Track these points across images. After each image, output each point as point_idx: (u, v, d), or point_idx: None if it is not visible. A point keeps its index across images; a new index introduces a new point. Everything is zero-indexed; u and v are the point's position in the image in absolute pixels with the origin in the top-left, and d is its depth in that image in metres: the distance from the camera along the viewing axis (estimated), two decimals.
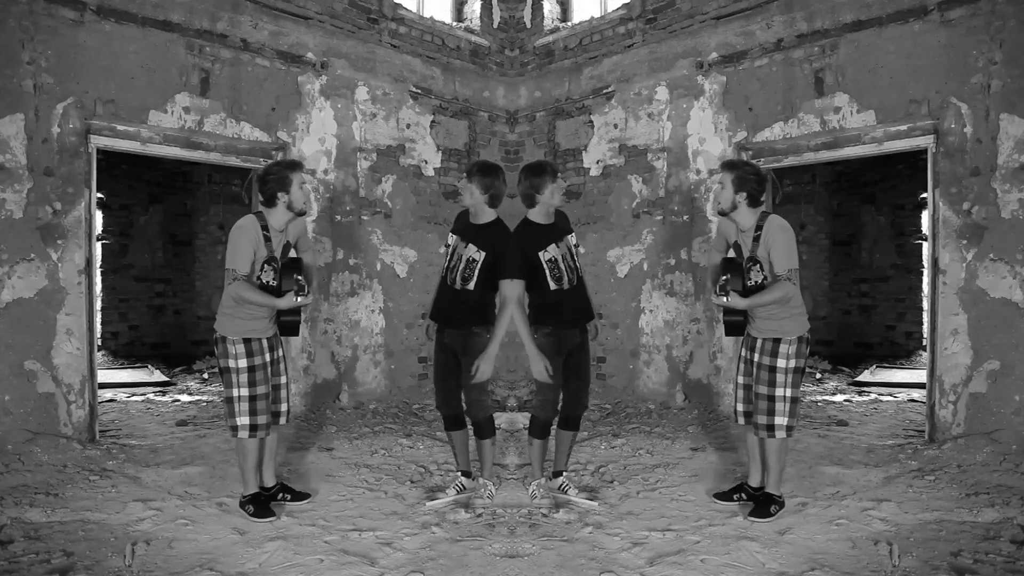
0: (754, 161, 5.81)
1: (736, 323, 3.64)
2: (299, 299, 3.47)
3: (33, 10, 4.70)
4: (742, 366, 3.76)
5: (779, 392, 3.53)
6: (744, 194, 3.56)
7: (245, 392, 3.54)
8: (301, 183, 3.63)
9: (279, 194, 3.57)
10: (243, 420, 3.55)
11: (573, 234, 3.94)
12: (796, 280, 3.48)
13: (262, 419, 3.59)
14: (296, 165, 3.69)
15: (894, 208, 9.65)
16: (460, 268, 3.77)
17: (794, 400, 3.56)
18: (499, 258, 3.74)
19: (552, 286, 3.76)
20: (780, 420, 3.54)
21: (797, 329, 3.55)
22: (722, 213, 3.66)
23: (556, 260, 3.77)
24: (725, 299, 3.47)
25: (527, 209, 3.85)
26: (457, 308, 3.81)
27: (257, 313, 3.56)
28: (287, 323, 3.64)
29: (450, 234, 3.95)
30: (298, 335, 3.86)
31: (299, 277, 3.50)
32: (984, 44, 4.70)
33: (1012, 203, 4.64)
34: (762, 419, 3.58)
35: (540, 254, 3.75)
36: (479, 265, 3.74)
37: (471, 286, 3.76)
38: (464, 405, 3.93)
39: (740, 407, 3.78)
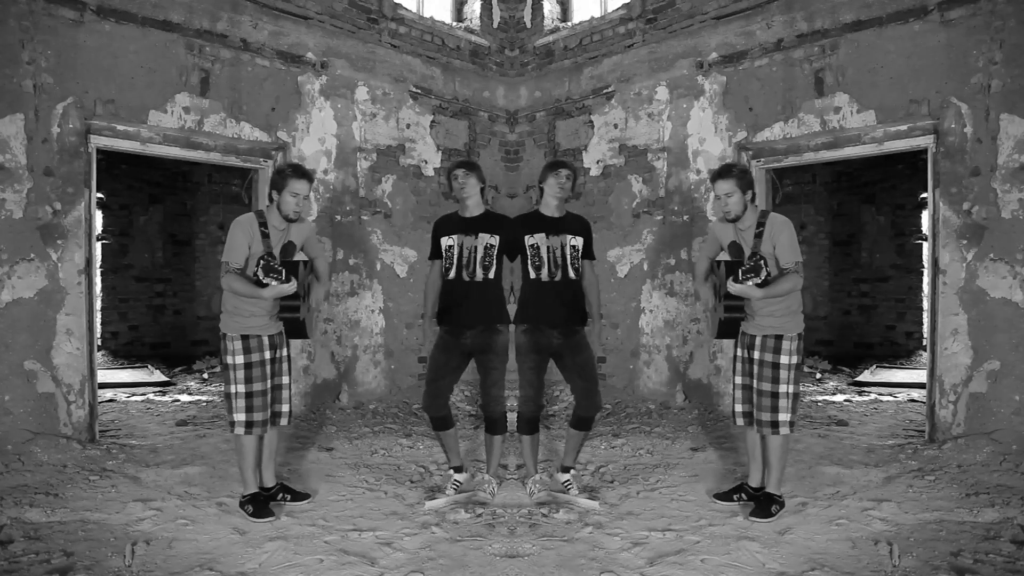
0: (753, 161, 5.84)
1: (734, 321, 3.66)
2: (275, 283, 3.45)
3: (33, 10, 4.70)
4: (739, 366, 3.75)
5: (783, 388, 3.56)
6: (749, 192, 3.60)
7: (241, 388, 3.57)
8: (296, 192, 3.57)
9: (273, 192, 3.63)
10: (239, 416, 3.58)
11: (583, 239, 3.91)
12: (802, 272, 3.53)
13: (258, 416, 3.60)
14: (298, 173, 3.62)
15: (894, 208, 9.65)
16: (478, 257, 3.83)
17: (796, 396, 3.60)
18: (509, 241, 3.90)
19: (531, 274, 3.84)
20: (784, 416, 3.57)
21: (797, 326, 3.59)
22: (733, 220, 3.62)
23: (538, 247, 3.83)
24: (748, 283, 3.47)
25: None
26: (477, 305, 3.84)
27: (255, 310, 3.58)
28: (287, 320, 3.66)
29: (440, 238, 3.93)
30: (306, 336, 3.81)
31: (281, 268, 3.51)
32: (984, 44, 4.70)
33: (1012, 203, 4.64)
34: (766, 416, 3.59)
35: (526, 237, 3.85)
36: (496, 250, 3.87)
37: (492, 274, 3.85)
38: (479, 400, 3.98)
39: (740, 408, 3.75)
